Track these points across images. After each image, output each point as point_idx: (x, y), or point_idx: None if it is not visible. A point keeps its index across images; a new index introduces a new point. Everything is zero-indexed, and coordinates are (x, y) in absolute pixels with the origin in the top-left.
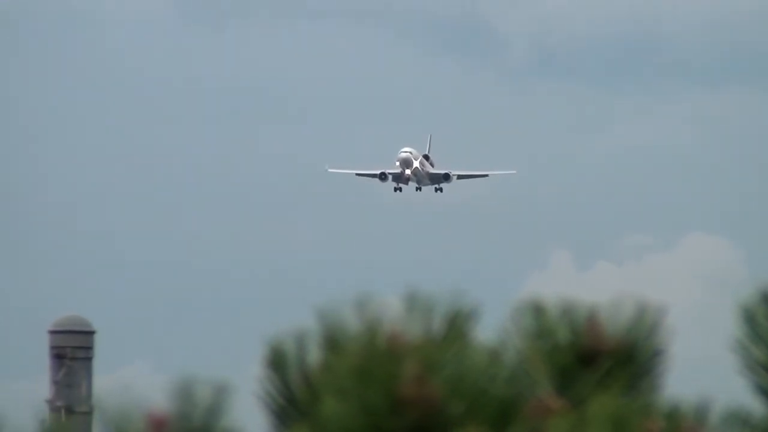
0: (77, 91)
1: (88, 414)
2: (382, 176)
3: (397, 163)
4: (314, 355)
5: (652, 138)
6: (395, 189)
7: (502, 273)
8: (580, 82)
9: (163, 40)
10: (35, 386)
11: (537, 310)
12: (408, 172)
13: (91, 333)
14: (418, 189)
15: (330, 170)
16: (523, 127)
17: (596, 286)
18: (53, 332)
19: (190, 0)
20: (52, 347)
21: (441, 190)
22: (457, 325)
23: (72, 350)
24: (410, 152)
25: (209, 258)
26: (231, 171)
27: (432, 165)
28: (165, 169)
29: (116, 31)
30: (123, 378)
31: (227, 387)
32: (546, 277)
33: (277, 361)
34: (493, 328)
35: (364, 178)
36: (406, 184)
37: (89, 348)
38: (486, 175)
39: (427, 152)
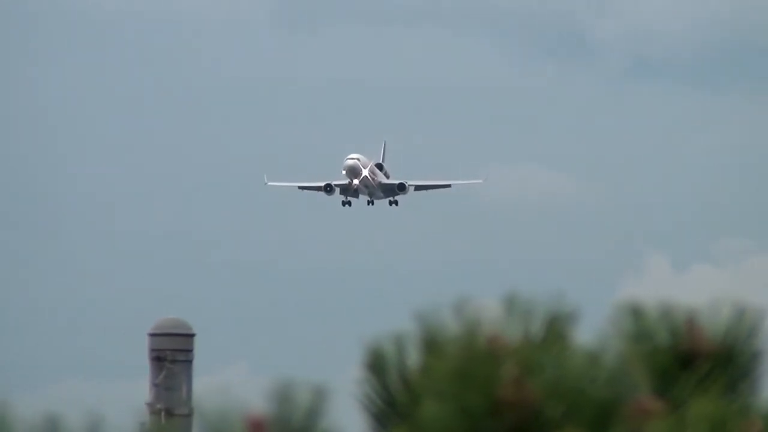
0: (170, 94)
1: (188, 416)
2: (328, 188)
3: (344, 172)
4: (413, 357)
5: (749, 139)
6: (343, 203)
7: (599, 275)
8: (676, 85)
9: (254, 43)
10: (135, 389)
11: (636, 312)
12: (356, 182)
13: (191, 335)
14: (370, 202)
15: (269, 183)
16: (619, 131)
17: (694, 288)
18: (153, 335)
19: (283, 5)
20: (152, 350)
21: (396, 203)
22: (556, 328)
23: (172, 353)
24: (357, 159)
25: (308, 259)
26: (324, 172)
27: (387, 175)
28: (254, 170)
29: (210, 35)
30: (222, 380)
31: (326, 389)
32: (643, 279)
33: (376, 364)
34: (591, 330)
35: (308, 191)
36: (356, 196)
37: (189, 350)
38: (449, 186)
39: (381, 160)
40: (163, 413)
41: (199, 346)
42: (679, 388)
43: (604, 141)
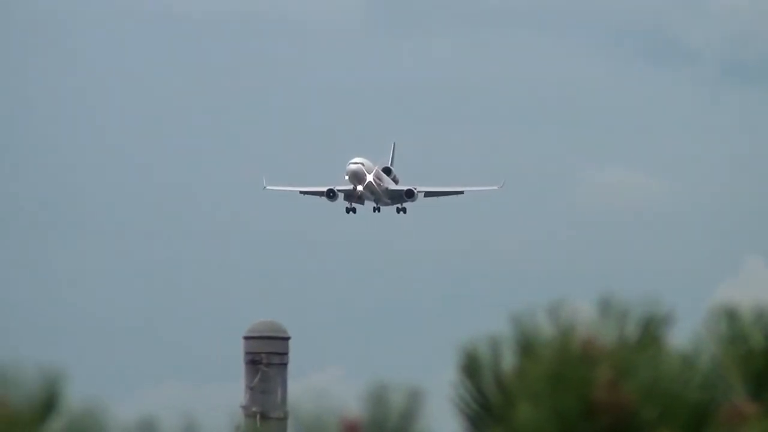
0: (268, 98)
1: (283, 420)
2: (330, 194)
3: (347, 177)
4: (508, 360)
5: None
6: (347, 210)
7: (695, 278)
8: None
9: (351, 46)
10: (230, 392)
11: (731, 315)
12: (360, 188)
13: (286, 339)
14: (376, 209)
15: (268, 188)
16: (714, 134)
17: None
18: (248, 338)
19: (380, 11)
20: (247, 353)
21: (404, 210)
22: (651, 330)
23: (267, 356)
24: (361, 163)
25: (400, 264)
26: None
27: (395, 180)
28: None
29: (311, 40)
30: (317, 384)
31: (420, 392)
32: (739, 282)
33: (471, 367)
34: (686, 333)
35: (310, 196)
36: (362, 202)
37: (284, 354)
38: (461, 192)
39: (389, 164)
40: (258, 416)
41: (294, 349)
42: None
43: (699, 144)
